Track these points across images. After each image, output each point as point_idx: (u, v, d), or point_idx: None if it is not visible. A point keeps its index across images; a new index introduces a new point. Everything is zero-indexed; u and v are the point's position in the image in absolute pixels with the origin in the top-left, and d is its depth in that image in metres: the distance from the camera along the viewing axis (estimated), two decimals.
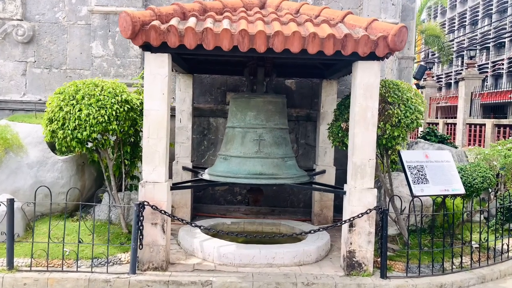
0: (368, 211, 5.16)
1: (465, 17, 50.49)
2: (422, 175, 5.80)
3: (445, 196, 6.06)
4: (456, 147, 9.95)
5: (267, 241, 5.69)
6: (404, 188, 6.48)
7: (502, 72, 41.47)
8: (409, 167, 5.81)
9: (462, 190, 5.90)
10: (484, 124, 16.43)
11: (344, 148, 5.81)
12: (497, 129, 15.67)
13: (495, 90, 22.22)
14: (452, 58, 35.31)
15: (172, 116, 7.85)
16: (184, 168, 7.35)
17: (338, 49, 4.87)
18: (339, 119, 5.87)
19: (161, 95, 5.08)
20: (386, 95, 5.49)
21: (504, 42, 42.03)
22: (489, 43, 43.00)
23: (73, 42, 8.07)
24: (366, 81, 5.14)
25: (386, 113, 5.45)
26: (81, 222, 5.42)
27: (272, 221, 7.12)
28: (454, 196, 5.97)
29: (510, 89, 23.65)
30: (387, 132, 5.47)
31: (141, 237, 4.99)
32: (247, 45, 4.78)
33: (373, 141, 5.22)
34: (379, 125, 5.34)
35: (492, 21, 43.30)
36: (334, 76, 7.26)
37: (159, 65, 5.03)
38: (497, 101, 22.29)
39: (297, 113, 8.08)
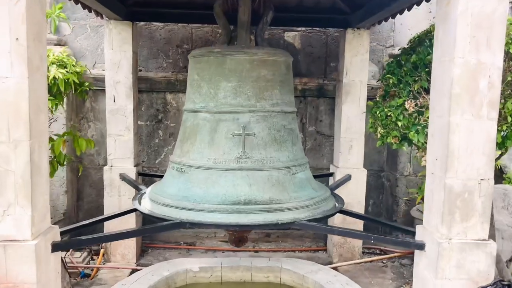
0: None
1: None
2: None
3: None
4: None
5: None
6: (501, 214, 3.70)
7: None
8: None
9: None
10: None
11: (405, 147, 3.01)
12: None
13: None
14: None
15: (99, 91, 4.94)
16: (123, 178, 4.48)
17: None
18: (400, 94, 3.01)
19: (14, 42, 2.18)
20: None
21: None
22: None
23: None
24: (477, 8, 2.30)
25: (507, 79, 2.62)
26: None
27: (267, 263, 4.31)
28: None
29: None
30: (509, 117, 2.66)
31: None
32: None
33: (491, 141, 2.41)
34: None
35: None
36: (366, 22, 4.38)
37: None
38: None
39: (304, 85, 5.21)
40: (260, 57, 3.23)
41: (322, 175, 5.02)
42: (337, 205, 3.48)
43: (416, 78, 2.91)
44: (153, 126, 5.23)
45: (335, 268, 4.56)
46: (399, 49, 3.63)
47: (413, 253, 4.97)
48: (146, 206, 3.30)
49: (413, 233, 2.87)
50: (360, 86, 4.65)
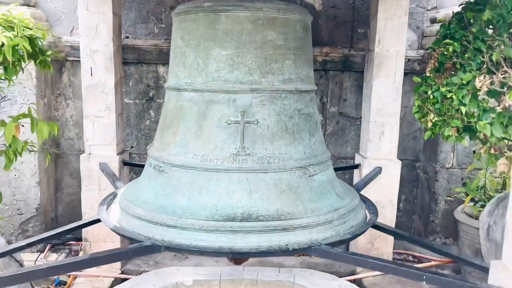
0: None
1: None
2: None
3: None
4: None
5: None
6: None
7: None
8: None
9: None
10: None
11: (467, 141, 2.12)
12: None
13: None
14: None
15: (78, 62, 4.12)
16: (103, 169, 3.69)
17: None
18: (464, 67, 2.09)
19: None
20: None
21: None
22: None
23: None
24: None
25: None
26: None
27: (276, 276, 3.51)
28: None
29: None
30: None
31: None
32: None
33: None
34: None
35: None
36: None
37: None
38: None
39: (325, 57, 4.28)
40: (267, 14, 2.32)
41: (345, 168, 4.15)
42: (368, 215, 2.62)
43: (495, 44, 1.98)
44: (143, 105, 4.39)
45: (359, 281, 3.75)
46: (461, 4, 2.63)
47: (455, 262, 4.13)
48: (114, 215, 2.49)
49: (481, 268, 2.00)
50: (396, 57, 3.70)
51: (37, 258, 3.92)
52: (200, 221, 2.16)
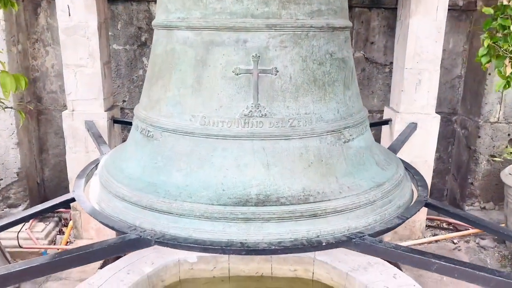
0: None
1: None
2: None
3: None
4: None
5: None
6: None
7: None
8: None
9: None
10: None
11: None
12: None
13: None
14: None
15: (52, 0, 3.48)
16: (89, 128, 3.16)
17: None
18: None
19: None
20: None
21: None
22: None
23: None
24: None
25: None
26: None
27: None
28: None
29: None
30: None
31: None
32: None
33: None
34: None
35: None
36: None
37: None
38: None
39: None
40: None
41: (372, 124, 3.56)
42: (414, 190, 2.08)
43: None
44: (134, 52, 3.76)
45: None
46: None
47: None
48: (94, 193, 1.96)
49: None
50: None
51: (20, 229, 3.46)
52: (202, 206, 1.62)
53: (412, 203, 1.93)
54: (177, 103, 1.78)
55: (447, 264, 1.44)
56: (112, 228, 1.69)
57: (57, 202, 1.95)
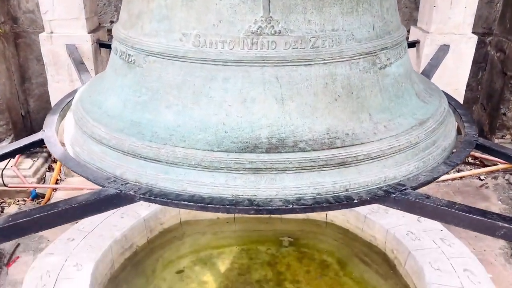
0: None
1: None
2: None
3: None
4: None
5: None
6: None
7: None
8: None
9: None
10: None
11: None
12: None
13: None
14: None
15: None
16: (71, 54, 2.75)
17: None
18: None
19: None
20: None
21: None
22: None
23: None
24: None
25: None
26: None
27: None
28: None
29: None
30: None
31: None
32: None
33: None
34: None
35: None
36: None
37: None
38: None
39: None
40: None
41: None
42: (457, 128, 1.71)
43: None
44: None
45: None
46: None
47: None
48: (68, 133, 1.60)
49: None
50: None
51: (5, 166, 3.16)
52: (199, 152, 1.27)
53: (459, 144, 1.57)
54: (163, 17, 1.36)
55: None
56: (87, 178, 1.35)
57: (22, 144, 1.59)
